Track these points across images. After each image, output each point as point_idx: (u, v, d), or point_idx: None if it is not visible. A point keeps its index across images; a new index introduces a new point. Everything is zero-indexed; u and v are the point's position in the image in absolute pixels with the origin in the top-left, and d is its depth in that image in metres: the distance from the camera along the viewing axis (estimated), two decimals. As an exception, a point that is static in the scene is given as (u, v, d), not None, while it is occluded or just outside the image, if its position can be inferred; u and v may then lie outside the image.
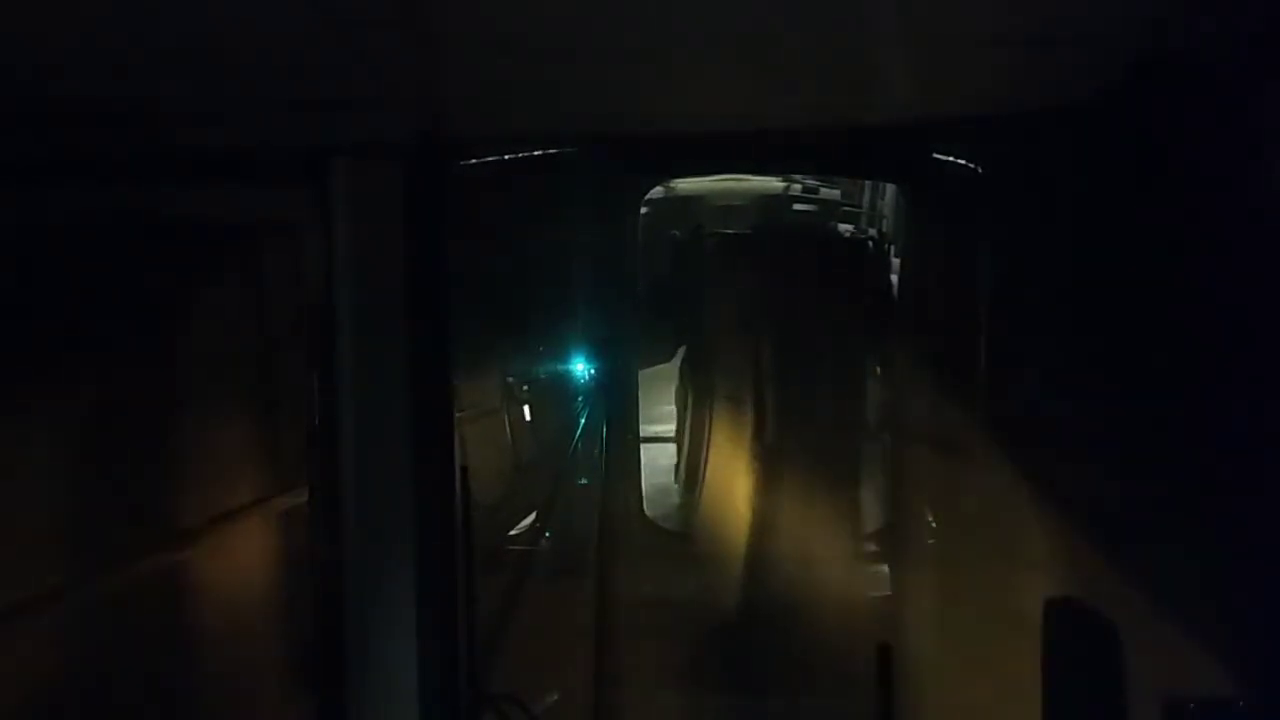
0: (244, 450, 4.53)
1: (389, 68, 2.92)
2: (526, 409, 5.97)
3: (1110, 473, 3.35)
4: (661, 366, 7.02)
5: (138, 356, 4.06)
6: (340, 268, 3.36)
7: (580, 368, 5.89)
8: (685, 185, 8.12)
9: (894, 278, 6.03)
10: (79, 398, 3.82)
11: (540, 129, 4.24)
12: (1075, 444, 3.56)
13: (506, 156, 4.28)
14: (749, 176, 8.28)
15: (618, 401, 5.80)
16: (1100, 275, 3.43)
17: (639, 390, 6.00)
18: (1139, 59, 2.95)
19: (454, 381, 3.72)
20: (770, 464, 5.86)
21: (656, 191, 7.30)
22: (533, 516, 5.61)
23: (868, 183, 8.11)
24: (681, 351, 6.90)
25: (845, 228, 8.36)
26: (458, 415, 3.86)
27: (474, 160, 4.04)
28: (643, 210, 6.35)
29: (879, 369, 5.95)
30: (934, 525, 4.94)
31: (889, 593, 5.45)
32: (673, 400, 6.87)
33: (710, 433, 6.31)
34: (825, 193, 8.68)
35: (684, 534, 6.24)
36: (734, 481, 6.09)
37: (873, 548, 5.73)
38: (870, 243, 7.32)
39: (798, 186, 8.65)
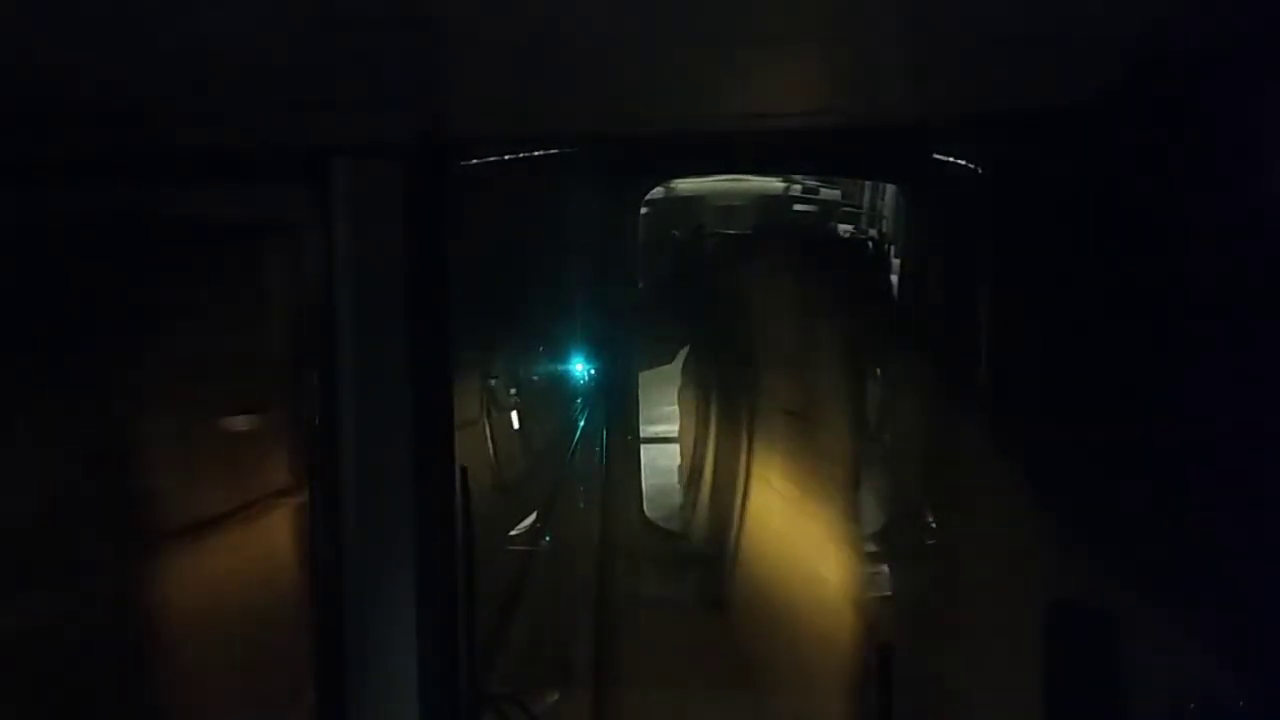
0: (244, 450, 4.53)
1: (389, 68, 2.92)
2: (522, 412, 5.95)
3: (1110, 473, 3.35)
4: (662, 367, 7.02)
5: (137, 356, 4.06)
6: (340, 268, 3.36)
7: (580, 368, 5.88)
8: (685, 186, 8.12)
9: (894, 278, 6.03)
10: (77, 397, 3.82)
11: (540, 129, 4.24)
12: (1075, 444, 3.56)
13: (506, 157, 4.28)
14: (749, 177, 8.29)
15: (618, 402, 5.80)
16: (1100, 275, 3.43)
17: (639, 391, 6.00)
18: (1139, 59, 2.95)
19: (454, 382, 3.73)
20: (771, 464, 5.86)
21: (657, 192, 7.30)
22: (533, 517, 5.61)
23: (868, 183, 8.12)
24: (683, 352, 6.90)
25: (845, 228, 8.37)
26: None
27: (474, 160, 4.04)
28: (643, 210, 6.34)
29: (879, 369, 5.95)
30: (934, 525, 4.94)
31: (889, 593, 5.45)
32: (673, 401, 6.87)
33: (711, 433, 6.31)
34: (825, 193, 8.69)
35: (685, 535, 6.24)
36: (735, 482, 6.09)
37: (873, 548, 5.72)
38: (870, 243, 7.33)
39: (798, 187, 8.65)
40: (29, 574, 3.66)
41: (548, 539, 5.50)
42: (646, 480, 6.08)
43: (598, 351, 5.81)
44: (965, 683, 4.37)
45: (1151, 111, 3.09)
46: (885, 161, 5.38)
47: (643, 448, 6.08)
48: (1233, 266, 2.88)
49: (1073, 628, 3.35)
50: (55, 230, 3.59)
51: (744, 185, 8.49)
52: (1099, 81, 3.19)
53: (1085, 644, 3.29)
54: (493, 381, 5.64)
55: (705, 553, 6.04)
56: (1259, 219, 2.81)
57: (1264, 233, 2.78)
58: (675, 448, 6.89)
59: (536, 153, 4.49)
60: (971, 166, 4.46)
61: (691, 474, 6.58)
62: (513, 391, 5.84)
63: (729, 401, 6.15)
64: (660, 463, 6.88)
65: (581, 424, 5.83)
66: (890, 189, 7.16)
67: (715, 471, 6.19)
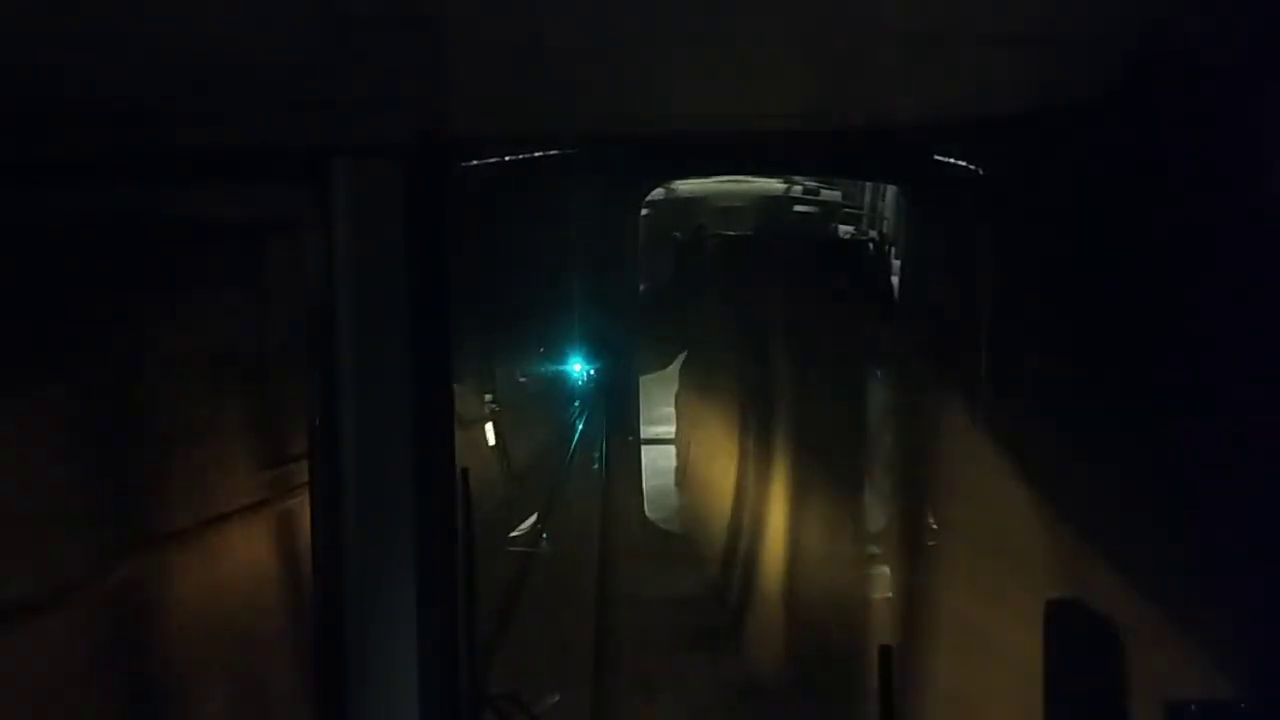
0: (243, 450, 4.53)
1: (389, 68, 2.92)
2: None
3: (1110, 473, 3.35)
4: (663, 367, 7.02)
5: (136, 356, 4.06)
6: (340, 268, 3.36)
7: (580, 369, 5.88)
8: (686, 186, 8.13)
9: (894, 279, 6.04)
10: (76, 397, 3.82)
11: (540, 129, 4.24)
12: (1075, 444, 3.56)
13: (507, 157, 4.28)
14: (750, 178, 8.30)
15: (618, 403, 5.80)
16: (1100, 275, 3.43)
17: (639, 392, 6.00)
18: (1139, 59, 2.95)
19: (453, 382, 3.73)
20: (771, 465, 5.86)
21: (657, 193, 7.31)
22: (533, 518, 5.61)
23: (868, 184, 8.13)
24: (683, 353, 6.90)
25: (846, 229, 8.38)
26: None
27: (474, 160, 4.05)
28: (643, 211, 6.35)
29: (879, 370, 5.95)
30: (934, 526, 4.94)
31: (890, 594, 5.45)
32: (673, 402, 6.87)
33: (712, 434, 6.31)
34: (826, 194, 8.71)
35: (685, 535, 6.24)
36: (735, 483, 6.09)
37: (874, 549, 5.73)
38: (871, 244, 7.33)
39: (798, 188, 8.67)
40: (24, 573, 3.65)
41: (547, 539, 5.50)
42: (646, 481, 6.08)
43: (598, 352, 5.81)
44: (965, 683, 4.37)
45: (1151, 111, 3.09)
46: (885, 162, 5.38)
47: (643, 448, 6.08)
48: (1233, 266, 2.88)
49: (1073, 628, 3.35)
50: (55, 230, 3.59)
51: (744, 186, 8.50)
52: (1099, 81, 3.19)
53: (1085, 644, 3.29)
54: (493, 382, 5.65)
55: (705, 553, 6.04)
56: (1259, 219, 2.81)
57: (1264, 232, 2.78)
58: (675, 449, 6.90)
59: (536, 153, 4.49)
60: (971, 167, 4.47)
61: (692, 475, 6.58)
62: (512, 392, 5.85)
63: (729, 402, 6.15)
64: (660, 464, 6.88)
65: (581, 425, 5.83)
66: (890, 190, 7.17)
67: (715, 473, 6.20)
